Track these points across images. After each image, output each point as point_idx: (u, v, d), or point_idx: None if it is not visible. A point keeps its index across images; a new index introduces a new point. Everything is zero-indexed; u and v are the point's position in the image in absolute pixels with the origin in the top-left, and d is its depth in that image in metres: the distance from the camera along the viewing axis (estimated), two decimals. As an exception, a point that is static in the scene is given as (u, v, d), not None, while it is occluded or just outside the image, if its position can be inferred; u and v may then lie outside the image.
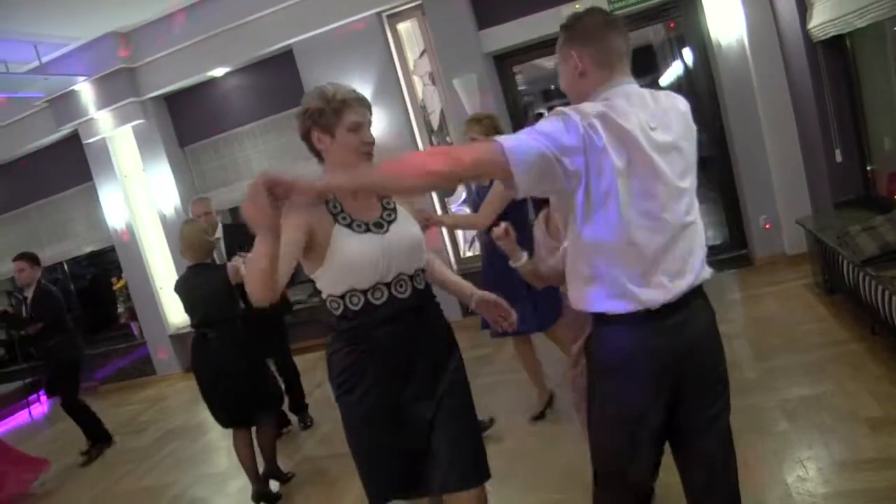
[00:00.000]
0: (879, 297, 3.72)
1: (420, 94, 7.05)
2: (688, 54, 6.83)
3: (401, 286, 2.28)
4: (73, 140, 8.28)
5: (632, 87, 1.94)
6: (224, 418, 4.30)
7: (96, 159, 8.21)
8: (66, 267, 9.43)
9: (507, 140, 1.74)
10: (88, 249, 9.03)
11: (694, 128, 1.99)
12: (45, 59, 7.39)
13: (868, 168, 5.28)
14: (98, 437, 6.17)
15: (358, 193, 2.26)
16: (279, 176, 1.79)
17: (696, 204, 1.96)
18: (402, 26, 6.95)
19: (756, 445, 3.33)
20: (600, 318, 1.93)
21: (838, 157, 5.28)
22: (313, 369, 6.11)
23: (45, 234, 9.11)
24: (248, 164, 7.96)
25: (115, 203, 8.21)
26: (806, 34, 5.18)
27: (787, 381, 3.96)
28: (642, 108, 1.88)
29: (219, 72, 7.66)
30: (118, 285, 9.09)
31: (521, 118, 7.12)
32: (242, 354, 4.22)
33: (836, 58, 5.19)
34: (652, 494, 2.62)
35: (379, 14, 6.81)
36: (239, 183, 8.01)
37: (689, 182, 1.92)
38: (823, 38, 4.96)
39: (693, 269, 1.90)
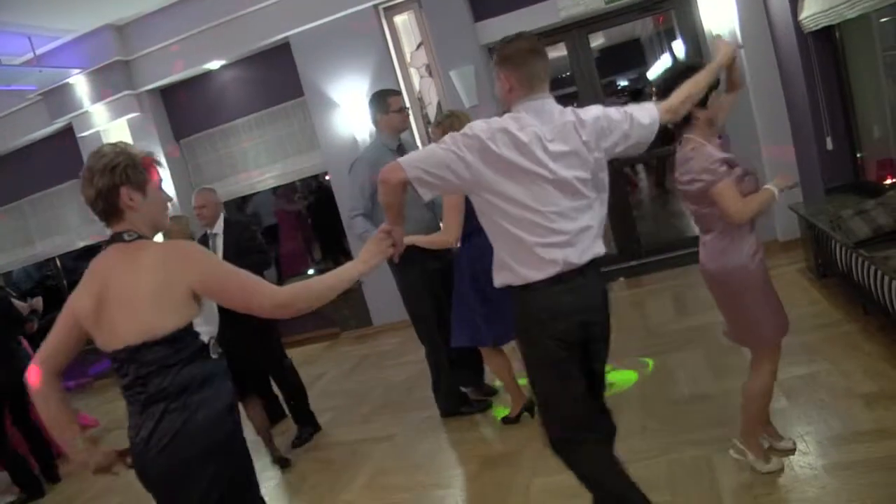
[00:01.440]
0: (872, 277, 3.84)
1: (417, 87, 7.11)
2: (678, 46, 6.94)
3: None
4: (67, 133, 8.25)
5: (545, 104, 2.40)
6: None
7: (90, 153, 8.15)
8: (58, 262, 9.41)
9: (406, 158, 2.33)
10: (82, 244, 9.01)
11: (596, 133, 2.41)
12: (39, 52, 7.32)
13: (858, 155, 5.41)
14: None
15: None
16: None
17: (599, 194, 2.45)
18: (399, 18, 7.01)
19: (757, 422, 3.45)
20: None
21: (829, 145, 5.41)
22: (314, 362, 6.17)
23: (38, 228, 9.10)
24: (245, 157, 8.00)
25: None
26: (797, 25, 5.29)
27: (785, 362, 4.00)
28: (547, 122, 2.35)
29: (215, 64, 7.68)
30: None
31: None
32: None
33: (826, 48, 5.31)
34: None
35: (376, 6, 6.86)
36: (235, 176, 8.04)
37: (588, 176, 2.39)
38: (814, 28, 5.07)
39: (587, 244, 2.38)
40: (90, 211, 2.15)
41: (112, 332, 2.07)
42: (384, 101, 4.48)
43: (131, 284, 2.06)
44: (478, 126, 2.33)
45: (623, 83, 12.47)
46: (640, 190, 11.20)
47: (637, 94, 11.47)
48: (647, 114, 2.51)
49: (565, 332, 2.39)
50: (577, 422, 2.50)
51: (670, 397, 4.09)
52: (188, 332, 2.08)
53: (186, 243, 2.21)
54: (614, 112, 2.49)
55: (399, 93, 4.67)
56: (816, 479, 2.88)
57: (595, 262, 2.44)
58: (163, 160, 7.88)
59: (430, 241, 3.92)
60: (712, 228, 2.90)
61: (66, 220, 8.91)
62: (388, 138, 4.53)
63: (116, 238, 2.14)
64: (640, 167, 11.32)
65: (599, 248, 2.44)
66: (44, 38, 7.30)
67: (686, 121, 2.80)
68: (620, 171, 7.31)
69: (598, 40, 8.78)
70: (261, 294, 2.08)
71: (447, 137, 2.34)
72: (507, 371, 4.25)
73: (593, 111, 2.45)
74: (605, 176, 2.46)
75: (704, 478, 3.14)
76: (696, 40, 6.46)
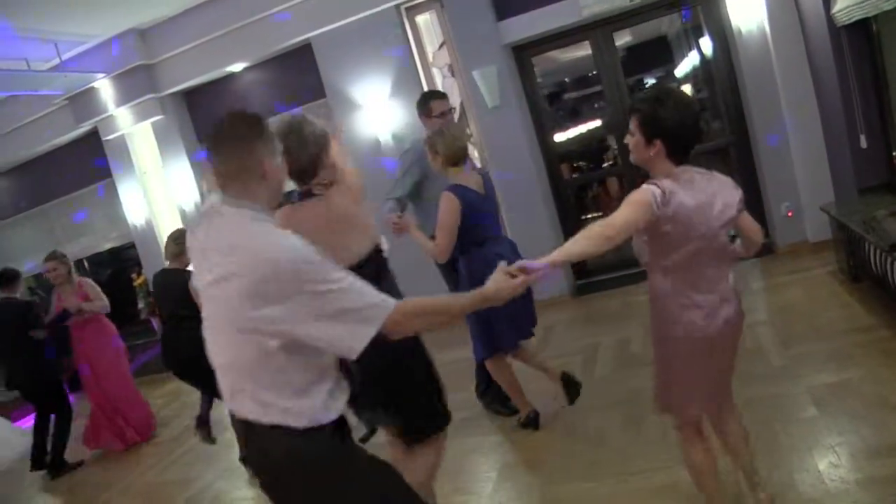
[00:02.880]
0: (908, 282, 3.69)
1: (440, 87, 7.03)
2: (706, 43, 6.78)
3: None
4: (93, 137, 8.32)
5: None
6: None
7: (116, 156, 8.25)
8: (86, 264, 9.51)
9: None
10: (108, 246, 9.09)
11: None
12: (64, 57, 7.42)
13: (894, 154, 5.22)
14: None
15: None
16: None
17: None
18: (421, 18, 6.94)
19: (785, 432, 3.32)
20: None
21: (863, 143, 5.23)
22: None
23: (65, 231, 9.20)
24: (267, 158, 7.97)
25: (135, 199, 8.26)
26: (829, 18, 5.12)
27: (814, 369, 3.93)
28: None
29: (237, 67, 7.67)
30: (138, 281, 9.14)
31: (540, 110, 7.10)
32: None
33: (861, 42, 5.12)
34: None
35: (397, 6, 6.80)
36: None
37: None
38: (848, 22, 4.90)
39: None
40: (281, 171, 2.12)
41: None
42: (427, 105, 4.53)
43: None
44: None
45: (651, 81, 12.27)
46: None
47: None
48: None
49: None
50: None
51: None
52: None
53: None
54: None
55: (443, 96, 4.61)
56: (848, 495, 2.76)
57: None
58: (187, 162, 7.93)
59: (423, 244, 3.86)
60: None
61: (93, 223, 8.99)
62: None
63: (309, 194, 2.67)
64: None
65: None
66: (69, 43, 7.38)
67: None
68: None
69: (624, 38, 8.64)
70: None
71: None
72: (513, 380, 4.19)
73: None
74: None
75: (729, 488, 2.97)
76: (724, 37, 6.30)
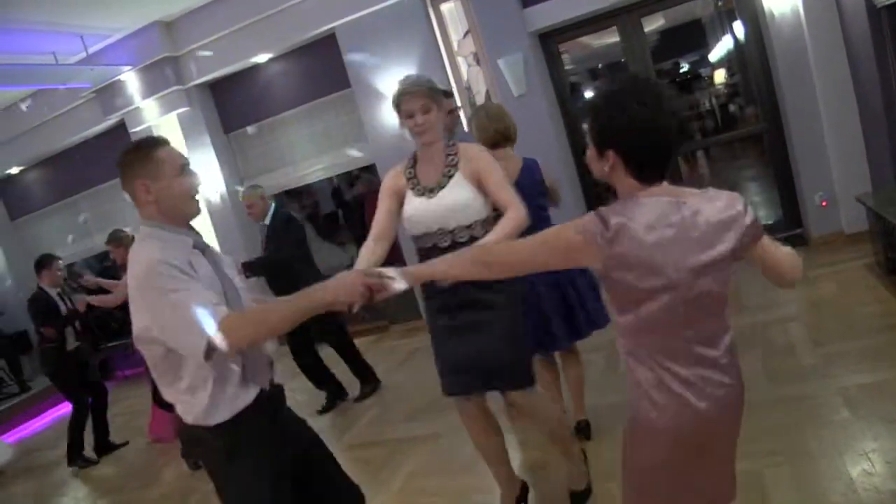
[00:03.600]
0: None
1: (465, 76, 6.93)
2: (738, 27, 6.60)
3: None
4: (120, 129, 8.38)
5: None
6: None
7: (143, 148, 8.28)
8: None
9: None
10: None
11: None
12: (91, 50, 7.48)
13: (934, 142, 5.04)
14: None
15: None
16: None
17: None
18: (445, 6, 6.83)
19: (815, 436, 3.20)
20: None
21: (902, 131, 5.05)
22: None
23: (94, 222, 9.32)
24: (292, 148, 7.98)
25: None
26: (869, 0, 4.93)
27: (847, 368, 3.80)
28: None
29: (262, 58, 7.65)
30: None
31: (568, 99, 6.97)
32: None
33: (901, 25, 4.94)
34: None
35: (421, -6, 6.71)
36: (283, 168, 8.04)
37: None
38: (888, 2, 4.72)
39: None
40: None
41: None
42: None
43: None
44: None
45: (685, 66, 12.02)
46: (702, 177, 10.77)
47: (693, 80, 11.01)
48: None
49: None
50: None
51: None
52: None
53: None
54: None
55: (450, 94, 4.52)
56: (881, 505, 2.64)
57: None
58: (213, 153, 7.96)
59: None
60: None
61: (124, 213, 9.08)
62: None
63: None
64: (699, 153, 10.86)
65: None
66: (95, 36, 7.42)
67: None
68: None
69: (657, 21, 8.44)
70: None
71: None
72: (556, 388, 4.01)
73: None
74: None
75: (754, 494, 2.89)
76: (756, 20, 6.11)
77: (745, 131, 6.65)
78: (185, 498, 4.86)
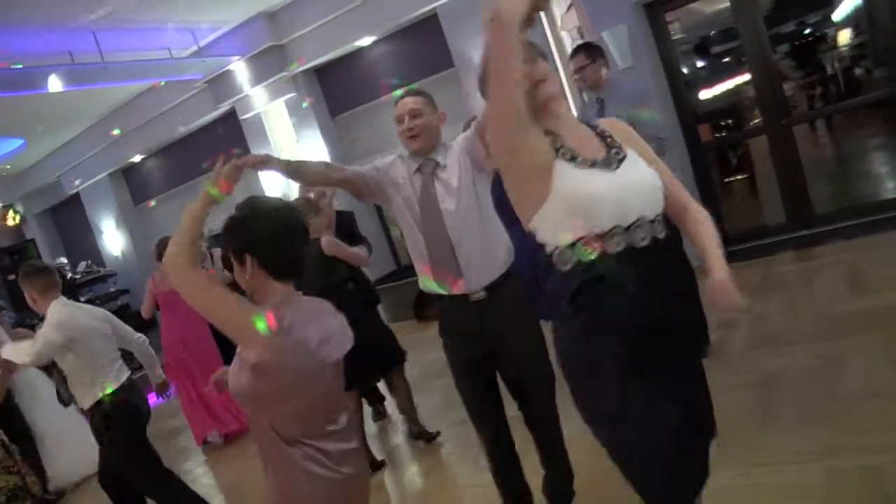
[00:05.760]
0: None
1: (569, 50, 6.74)
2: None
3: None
4: (231, 117, 8.71)
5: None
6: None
7: (252, 134, 8.57)
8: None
9: None
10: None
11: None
12: (201, 44, 7.80)
13: None
14: None
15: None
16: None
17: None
18: (547, -19, 6.65)
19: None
20: None
21: None
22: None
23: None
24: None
25: (272, 175, 8.53)
26: None
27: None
28: None
29: (366, 41, 7.71)
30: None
31: (674, 69, 6.65)
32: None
33: None
34: None
35: (522, -31, 6.54)
36: (391, 150, 8.08)
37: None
38: None
39: None
40: None
41: None
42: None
43: None
44: None
45: (808, 29, 11.24)
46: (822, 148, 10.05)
47: (817, 42, 10.28)
48: None
49: None
50: None
51: (836, 391, 3.36)
52: None
53: None
54: None
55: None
56: None
57: None
58: (320, 137, 8.11)
59: None
60: None
61: (233, 199, 9.39)
62: None
63: None
64: (819, 123, 10.11)
65: None
66: (205, 30, 7.74)
67: None
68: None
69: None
70: None
71: None
72: None
73: None
74: None
75: (871, 492, 2.59)
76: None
77: (872, 97, 6.15)
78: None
